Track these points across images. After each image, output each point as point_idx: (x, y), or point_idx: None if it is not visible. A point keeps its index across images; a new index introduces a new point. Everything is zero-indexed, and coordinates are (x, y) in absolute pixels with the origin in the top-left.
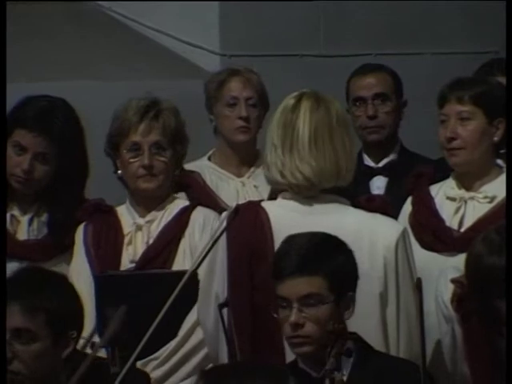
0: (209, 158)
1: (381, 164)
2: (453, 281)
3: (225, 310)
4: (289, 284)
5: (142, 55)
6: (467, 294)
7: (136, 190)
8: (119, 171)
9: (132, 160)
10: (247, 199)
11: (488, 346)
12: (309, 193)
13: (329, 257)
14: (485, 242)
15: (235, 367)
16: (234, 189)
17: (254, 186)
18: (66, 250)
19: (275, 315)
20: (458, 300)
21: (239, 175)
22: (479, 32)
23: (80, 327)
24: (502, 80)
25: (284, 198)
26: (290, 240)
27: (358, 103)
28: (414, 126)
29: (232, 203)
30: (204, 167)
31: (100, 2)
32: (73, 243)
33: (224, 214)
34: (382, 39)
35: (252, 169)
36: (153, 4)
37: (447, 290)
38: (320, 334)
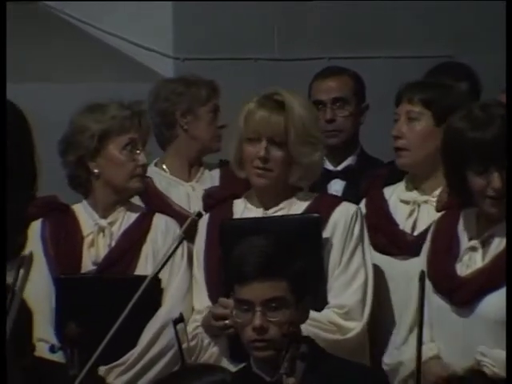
0: (155, 165)
1: (339, 167)
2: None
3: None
4: (252, 287)
5: (94, 58)
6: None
7: (125, 189)
8: (96, 170)
9: (130, 159)
10: (198, 203)
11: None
12: None
13: (291, 259)
14: (467, 119)
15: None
16: (184, 193)
17: (204, 190)
18: (20, 250)
19: (237, 319)
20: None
21: (188, 180)
22: (434, 36)
23: (31, 341)
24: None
25: None
26: (249, 242)
27: (318, 106)
28: (368, 130)
29: (184, 207)
30: (153, 173)
31: (52, 4)
32: (25, 243)
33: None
34: (337, 43)
35: (199, 174)
36: (106, 6)
37: None
38: (280, 337)
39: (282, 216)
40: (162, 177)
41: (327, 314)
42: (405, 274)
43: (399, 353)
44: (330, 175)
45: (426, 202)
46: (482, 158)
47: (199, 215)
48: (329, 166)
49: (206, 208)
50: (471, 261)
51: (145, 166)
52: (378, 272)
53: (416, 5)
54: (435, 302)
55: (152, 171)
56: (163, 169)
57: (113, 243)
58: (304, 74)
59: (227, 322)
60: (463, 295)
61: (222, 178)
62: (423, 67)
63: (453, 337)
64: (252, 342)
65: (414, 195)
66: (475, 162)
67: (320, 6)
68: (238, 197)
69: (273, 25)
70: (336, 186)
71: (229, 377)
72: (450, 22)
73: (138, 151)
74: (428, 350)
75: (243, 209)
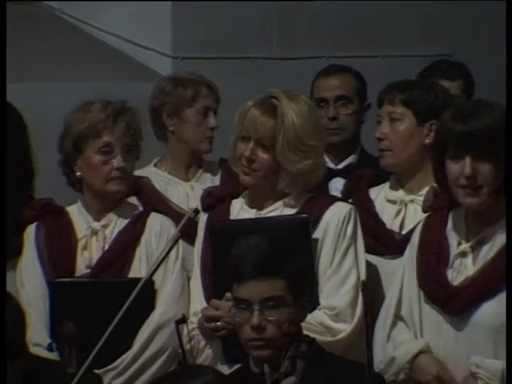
0: (154, 165)
1: (340, 166)
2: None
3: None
4: (250, 286)
5: (93, 57)
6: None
7: (104, 192)
8: (78, 173)
9: (106, 162)
10: (197, 202)
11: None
12: None
13: (289, 258)
14: (454, 108)
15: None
16: (183, 192)
17: (203, 190)
18: (16, 254)
19: (236, 318)
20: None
21: (187, 180)
22: (434, 36)
23: (24, 341)
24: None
25: None
26: (247, 241)
27: (321, 104)
28: (367, 129)
29: (183, 206)
30: (151, 174)
31: (51, 4)
32: (21, 245)
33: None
34: (335, 42)
35: (198, 173)
36: (104, 6)
37: None
38: (279, 336)
39: (272, 217)
40: (160, 177)
41: (317, 315)
42: (393, 274)
43: (388, 349)
44: (331, 173)
45: (412, 201)
46: (459, 145)
47: (196, 212)
48: (330, 164)
49: (205, 207)
50: (462, 266)
51: (121, 169)
52: (367, 272)
53: (416, 5)
54: (427, 312)
55: (151, 171)
56: (162, 169)
57: (106, 246)
58: (303, 73)
59: (218, 323)
60: (456, 304)
61: (222, 177)
62: (420, 66)
63: (446, 347)
64: (250, 341)
65: (400, 194)
66: (452, 148)
67: (320, 6)
68: (237, 196)
69: (271, 24)
70: (337, 185)
71: (218, 378)
72: (450, 22)
73: (113, 154)
74: (414, 346)
75: (239, 209)
